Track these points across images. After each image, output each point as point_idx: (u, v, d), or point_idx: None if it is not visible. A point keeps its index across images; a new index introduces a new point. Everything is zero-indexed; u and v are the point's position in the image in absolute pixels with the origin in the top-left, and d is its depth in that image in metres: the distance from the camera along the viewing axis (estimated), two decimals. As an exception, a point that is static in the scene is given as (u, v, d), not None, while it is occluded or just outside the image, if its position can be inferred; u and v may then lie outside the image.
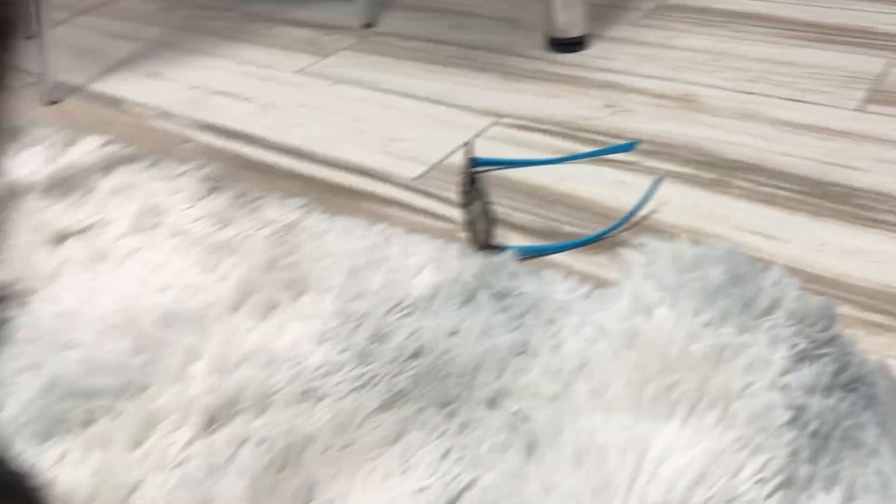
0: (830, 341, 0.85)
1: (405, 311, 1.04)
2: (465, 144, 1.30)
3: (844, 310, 1.01)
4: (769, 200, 1.26)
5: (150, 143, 1.61)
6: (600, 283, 1.08)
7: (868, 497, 0.69)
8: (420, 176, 1.42)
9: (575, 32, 1.85)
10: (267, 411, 0.91)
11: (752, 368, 0.81)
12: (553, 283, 1.05)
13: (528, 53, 1.89)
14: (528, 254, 1.15)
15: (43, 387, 0.96)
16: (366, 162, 1.48)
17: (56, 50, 2.06)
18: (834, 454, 0.75)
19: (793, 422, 0.76)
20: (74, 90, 1.90)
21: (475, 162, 1.38)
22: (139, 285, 1.15)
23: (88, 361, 0.99)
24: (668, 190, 1.30)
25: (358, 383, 0.94)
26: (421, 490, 0.80)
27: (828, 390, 0.80)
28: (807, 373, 0.80)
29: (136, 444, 0.88)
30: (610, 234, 1.20)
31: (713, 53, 1.80)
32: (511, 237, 1.22)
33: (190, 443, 0.88)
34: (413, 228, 1.25)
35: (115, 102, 1.82)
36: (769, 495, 0.72)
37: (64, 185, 1.44)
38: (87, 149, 1.56)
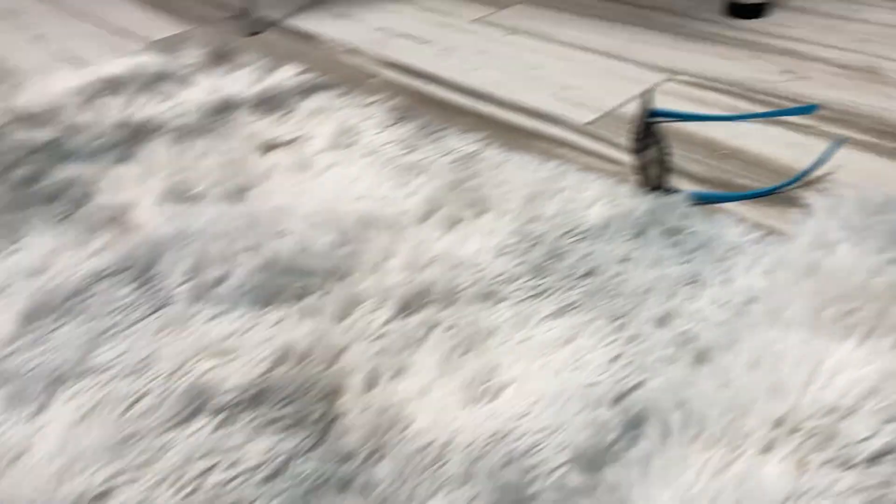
0: None
1: (579, 237, 1.12)
2: (644, 94, 1.34)
3: None
4: (953, 174, 1.24)
5: (341, 75, 1.75)
6: (772, 233, 1.12)
7: None
8: (592, 122, 1.48)
9: (755, -1, 1.84)
10: (453, 305, 1.02)
11: (925, 318, 0.83)
12: (725, 227, 1.10)
13: (706, 17, 1.90)
14: (701, 199, 1.20)
15: (262, 264, 1.12)
16: (540, 106, 1.56)
17: (255, -12, 2.25)
18: None
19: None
20: (272, 24, 2.08)
21: (652, 112, 1.43)
22: (338, 193, 1.29)
23: (300, 247, 1.14)
24: (845, 155, 1.30)
25: (533, 292, 1.03)
26: (591, 385, 0.89)
27: None
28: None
29: (342, 317, 1.02)
30: (783, 189, 1.22)
31: (902, 29, 1.75)
32: (683, 184, 1.27)
33: (387, 322, 1.00)
34: (584, 168, 1.32)
35: (308, 37, 1.98)
36: (932, 432, 0.75)
37: (269, 103, 1.60)
38: (286, 75, 1.73)
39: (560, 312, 0.99)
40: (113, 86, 1.71)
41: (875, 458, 0.70)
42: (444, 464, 0.81)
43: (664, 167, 1.25)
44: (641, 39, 1.79)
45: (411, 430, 0.86)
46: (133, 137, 1.49)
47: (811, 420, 0.74)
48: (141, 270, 1.14)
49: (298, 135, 1.47)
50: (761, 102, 1.48)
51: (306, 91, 1.64)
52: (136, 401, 0.92)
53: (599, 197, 1.21)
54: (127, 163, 1.41)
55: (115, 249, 1.19)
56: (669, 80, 1.59)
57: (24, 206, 1.31)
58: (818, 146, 1.33)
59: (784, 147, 1.34)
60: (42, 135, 1.53)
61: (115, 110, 1.61)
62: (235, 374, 0.94)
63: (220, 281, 1.10)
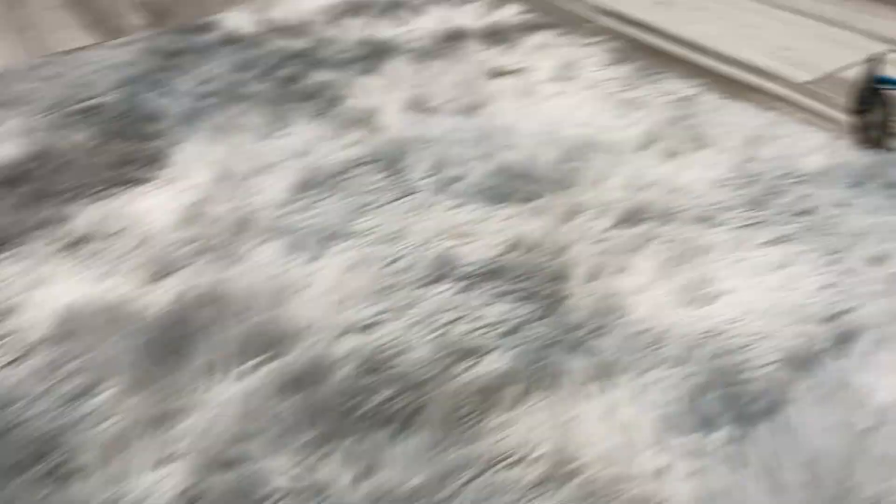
0: None
1: (797, 179, 1.18)
2: (870, 59, 1.36)
3: None
4: None
5: (560, 17, 1.85)
6: None
7: None
8: (809, 82, 1.51)
9: None
10: (671, 223, 1.11)
11: None
12: (948, 186, 1.12)
13: (940, -8, 1.84)
14: (921, 161, 1.22)
15: (495, 169, 1.26)
16: (757, 62, 1.59)
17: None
18: None
19: None
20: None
21: (879, 78, 1.44)
22: (561, 118, 1.40)
23: (528, 159, 1.27)
24: None
25: (750, 221, 1.11)
26: (803, 305, 0.96)
27: None
28: None
29: (566, 220, 1.14)
30: None
31: None
32: (902, 147, 1.28)
33: (608, 229, 1.11)
34: (803, 122, 1.36)
35: (526, -18, 2.09)
36: None
37: (495, 36, 1.73)
38: (510, 13, 1.85)
39: (775, 242, 1.06)
40: (354, 8, 1.90)
41: None
42: (661, 347, 0.92)
43: (886, 130, 1.27)
44: (864, 10, 1.76)
45: (630, 318, 0.97)
46: (375, 54, 1.67)
47: None
48: (389, 163, 1.30)
49: (523, 66, 1.59)
50: None
51: (529, 28, 1.75)
52: (393, 262, 1.08)
53: (818, 148, 1.25)
54: (371, 74, 1.59)
55: (365, 144, 1.36)
56: (893, 51, 1.57)
57: (287, 100, 1.51)
58: None
59: None
60: (297, 44, 1.74)
61: (356, 30, 1.80)
62: (474, 253, 1.09)
63: (457, 179, 1.25)
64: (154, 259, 1.12)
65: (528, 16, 1.82)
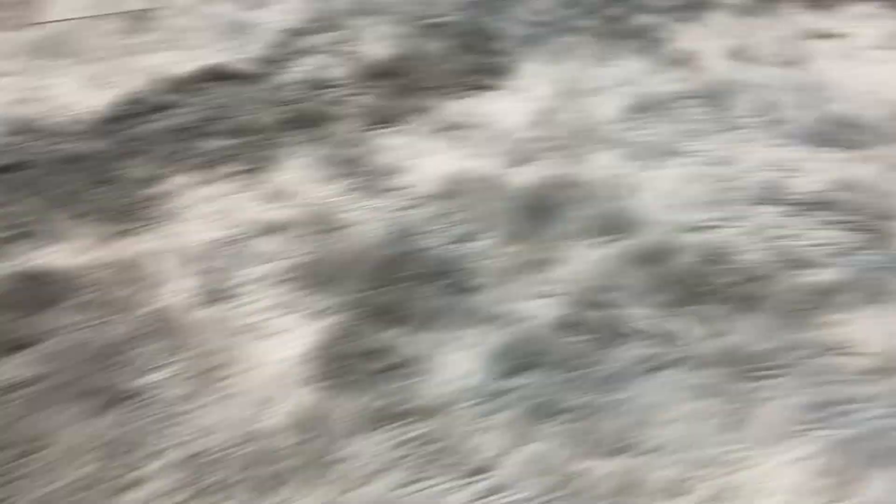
0: None
1: None
2: None
3: None
4: None
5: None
6: None
7: None
8: None
9: None
10: None
11: None
12: None
13: None
14: None
15: (817, 116, 1.35)
16: None
17: None
18: None
19: None
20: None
21: None
22: (887, 82, 1.45)
23: (853, 112, 1.35)
24: None
25: None
26: None
27: None
28: None
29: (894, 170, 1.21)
30: None
31: None
32: None
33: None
34: None
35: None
36: None
37: (815, 1, 1.78)
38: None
39: None
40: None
41: None
42: None
43: None
44: None
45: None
46: (697, 5, 1.78)
47: None
48: (712, 100, 1.43)
49: (845, 31, 1.63)
50: None
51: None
52: (723, 180, 1.22)
53: None
54: (693, 23, 1.70)
55: (688, 81, 1.49)
56: None
57: (613, 36, 1.67)
58: None
59: None
60: (619, -11, 1.89)
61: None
62: (802, 185, 1.19)
63: (780, 122, 1.35)
64: (511, 150, 1.33)
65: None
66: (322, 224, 1.18)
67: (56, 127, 1.45)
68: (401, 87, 1.55)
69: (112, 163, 1.34)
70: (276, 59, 1.67)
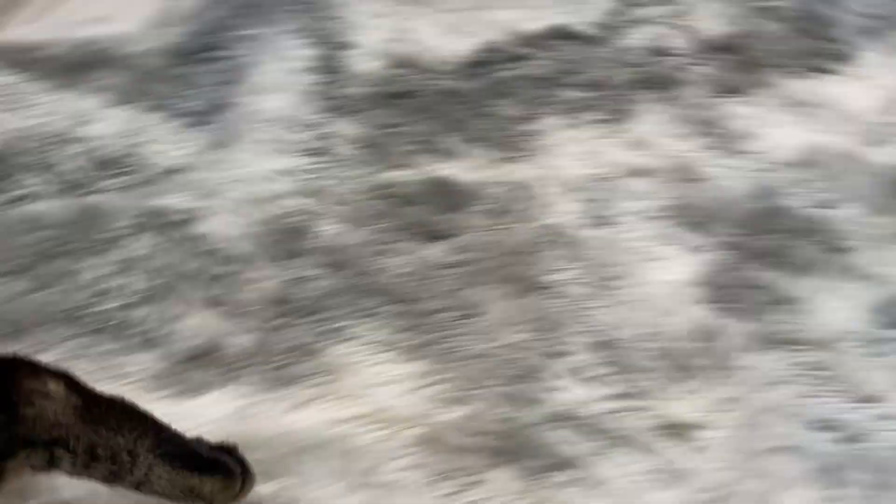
0: None
1: None
2: None
3: None
4: None
5: None
6: None
7: None
8: None
9: None
10: None
11: None
12: None
13: None
14: None
15: None
16: None
17: None
18: None
19: None
20: None
21: None
22: None
23: None
24: None
25: None
26: None
27: None
28: None
29: None
30: None
31: None
32: None
33: None
34: None
35: None
36: None
37: None
38: None
39: None
40: None
41: None
42: None
43: None
44: None
45: None
46: None
47: None
48: None
49: None
50: None
51: None
52: None
53: None
54: None
55: None
56: None
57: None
58: None
59: None
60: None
61: None
62: None
63: None
64: (865, 131, 1.39)
65: None
66: (685, 173, 1.31)
67: (429, 65, 1.68)
68: (741, 62, 1.64)
69: (485, 100, 1.55)
70: (614, 26, 1.81)
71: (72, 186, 1.30)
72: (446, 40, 1.85)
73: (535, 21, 1.90)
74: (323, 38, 1.62)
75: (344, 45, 1.66)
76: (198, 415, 0.87)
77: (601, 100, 1.56)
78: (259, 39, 1.52)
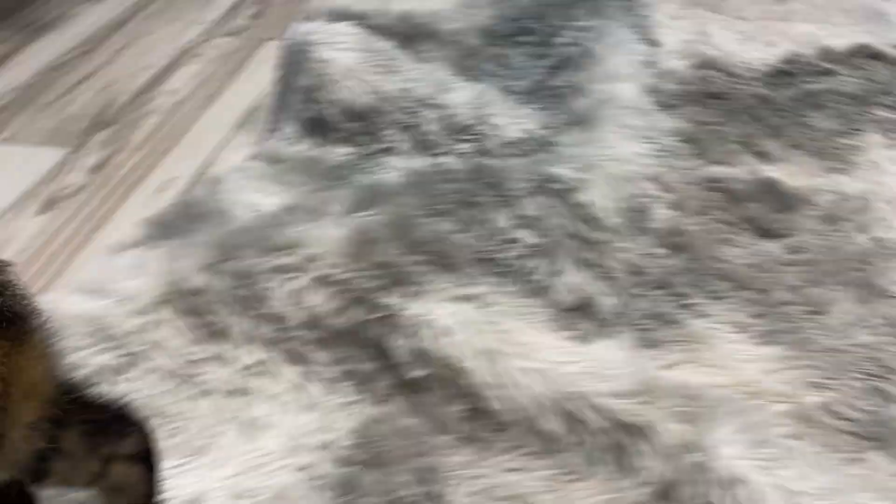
0: None
1: None
2: None
3: None
4: None
5: None
6: None
7: None
8: None
9: None
10: None
11: None
12: None
13: None
14: None
15: None
16: None
17: None
18: None
19: None
20: None
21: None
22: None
23: None
24: None
25: None
26: None
27: None
28: None
29: None
30: None
31: None
32: None
33: None
34: None
35: None
36: None
37: None
38: None
39: None
40: None
41: None
42: None
43: None
44: None
45: None
46: None
47: None
48: None
49: None
50: None
51: None
52: None
53: None
54: None
55: None
56: None
57: None
58: None
59: None
60: None
61: None
62: None
63: None
64: None
65: None
66: None
67: (734, 69, 1.75)
68: None
69: (798, 110, 1.60)
70: (921, 50, 1.81)
71: (427, 146, 1.48)
72: (746, 47, 1.90)
73: (839, 38, 1.92)
74: (643, 34, 1.73)
75: (654, 43, 1.76)
76: (599, 357, 1.01)
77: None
78: (593, 31, 1.64)
